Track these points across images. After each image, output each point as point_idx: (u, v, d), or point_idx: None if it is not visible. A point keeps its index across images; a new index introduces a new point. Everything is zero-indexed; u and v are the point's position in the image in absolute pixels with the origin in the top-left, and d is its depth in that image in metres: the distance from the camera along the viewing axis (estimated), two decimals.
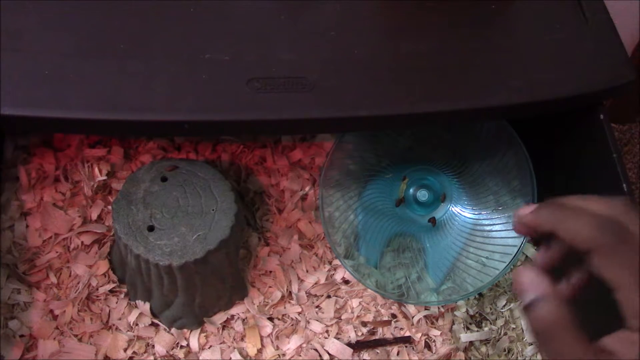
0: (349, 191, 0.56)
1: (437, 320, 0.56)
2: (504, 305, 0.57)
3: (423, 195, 0.57)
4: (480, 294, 0.57)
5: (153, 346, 0.51)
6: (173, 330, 0.52)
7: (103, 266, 0.54)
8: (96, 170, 0.57)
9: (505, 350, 0.55)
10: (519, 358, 0.54)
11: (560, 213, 0.31)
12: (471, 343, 0.55)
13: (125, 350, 0.51)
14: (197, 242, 0.47)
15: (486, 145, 0.54)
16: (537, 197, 0.51)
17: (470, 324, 0.56)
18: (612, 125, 0.47)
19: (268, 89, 0.42)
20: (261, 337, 0.53)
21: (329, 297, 0.56)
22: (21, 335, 0.50)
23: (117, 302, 0.53)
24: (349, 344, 0.53)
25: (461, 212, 0.58)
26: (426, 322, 0.55)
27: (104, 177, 0.57)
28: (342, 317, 0.55)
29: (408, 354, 0.54)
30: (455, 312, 0.56)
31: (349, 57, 0.44)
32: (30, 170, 0.56)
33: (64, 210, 0.56)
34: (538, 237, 0.33)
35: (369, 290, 0.55)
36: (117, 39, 0.43)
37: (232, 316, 0.54)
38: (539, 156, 0.52)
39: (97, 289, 0.53)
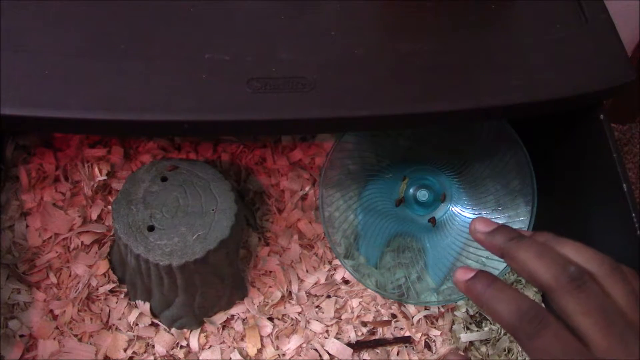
0: (349, 191, 0.56)
1: (437, 320, 0.56)
2: None
3: (423, 195, 0.57)
4: None
5: (153, 346, 0.51)
6: (173, 330, 0.52)
7: (103, 266, 0.54)
8: (96, 170, 0.57)
9: (505, 350, 0.55)
10: (519, 358, 0.54)
11: (518, 246, 0.31)
12: (471, 343, 0.55)
13: (125, 350, 0.51)
14: (197, 242, 0.47)
15: (486, 145, 0.54)
16: (537, 197, 0.51)
17: (470, 324, 0.56)
18: (612, 125, 0.47)
19: (268, 89, 0.42)
20: (261, 337, 0.53)
21: (329, 297, 0.56)
22: (21, 335, 0.50)
23: (117, 302, 0.53)
24: (349, 344, 0.53)
25: (461, 212, 0.58)
26: (426, 322, 0.55)
27: (104, 177, 0.57)
28: (342, 317, 0.55)
29: (408, 354, 0.54)
30: (455, 312, 0.56)
31: (349, 57, 0.44)
32: (30, 170, 0.57)
33: (64, 210, 0.56)
34: None
35: (369, 290, 0.55)
36: (117, 39, 0.43)
37: (232, 316, 0.54)
38: (539, 156, 0.52)
39: (97, 289, 0.53)
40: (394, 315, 0.56)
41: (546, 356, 0.28)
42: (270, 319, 0.54)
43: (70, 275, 0.53)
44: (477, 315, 0.56)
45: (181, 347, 0.52)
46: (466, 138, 0.55)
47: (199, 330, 0.53)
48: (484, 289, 0.31)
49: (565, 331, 0.29)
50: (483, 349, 0.55)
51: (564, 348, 0.28)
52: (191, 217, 0.49)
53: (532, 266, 0.30)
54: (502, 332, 0.55)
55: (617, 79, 0.46)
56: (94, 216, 0.56)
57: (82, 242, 0.54)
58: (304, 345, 0.53)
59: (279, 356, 0.52)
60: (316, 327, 0.54)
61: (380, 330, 0.55)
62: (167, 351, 0.51)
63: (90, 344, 0.51)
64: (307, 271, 0.57)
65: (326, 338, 0.54)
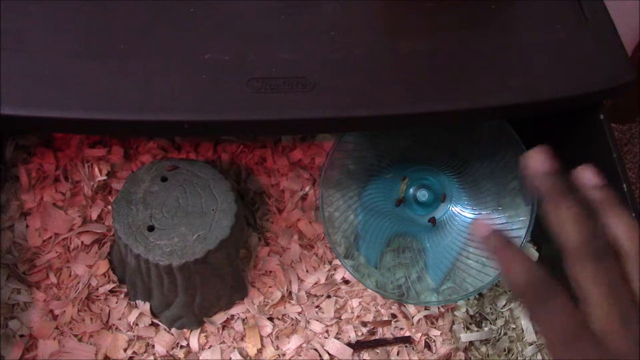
0: (349, 191, 0.56)
1: (437, 320, 0.56)
2: (504, 305, 0.57)
3: (423, 195, 0.57)
4: (480, 294, 0.57)
5: (153, 346, 0.51)
6: (173, 330, 0.52)
7: (103, 266, 0.54)
8: (96, 170, 0.57)
9: (505, 350, 0.55)
10: (519, 358, 0.54)
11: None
12: (471, 343, 0.55)
13: (125, 350, 0.51)
14: (197, 242, 0.47)
15: (486, 145, 0.54)
16: (536, 197, 0.51)
17: (470, 324, 0.56)
18: (612, 125, 0.47)
19: (268, 89, 0.42)
20: (261, 337, 0.53)
21: (329, 297, 0.56)
22: (21, 335, 0.50)
23: (117, 302, 0.53)
24: (349, 344, 0.53)
25: (461, 212, 0.58)
26: (426, 322, 0.55)
27: (104, 177, 0.57)
28: (342, 317, 0.55)
29: (408, 354, 0.54)
30: (455, 312, 0.56)
31: (349, 57, 0.44)
32: (30, 170, 0.57)
33: (64, 210, 0.56)
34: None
35: (369, 290, 0.55)
36: (117, 39, 0.43)
37: (232, 316, 0.54)
38: None
39: (97, 289, 0.53)
40: (394, 315, 0.56)
41: (549, 324, 0.29)
42: (270, 319, 0.54)
43: (70, 275, 0.53)
44: (477, 315, 0.56)
45: (181, 347, 0.52)
46: (466, 138, 0.55)
47: (199, 330, 0.53)
48: (498, 251, 0.32)
49: (570, 303, 0.30)
50: (483, 349, 0.55)
51: (565, 319, 0.29)
52: (191, 217, 0.49)
53: (566, 224, 0.31)
54: (502, 332, 0.56)
55: (617, 79, 0.46)
56: (94, 216, 0.56)
57: (82, 242, 0.54)
58: (304, 345, 0.53)
59: (279, 356, 0.52)
60: (316, 327, 0.54)
61: (380, 330, 0.55)
62: (167, 351, 0.51)
63: (90, 344, 0.51)
64: (307, 271, 0.57)
65: (326, 338, 0.54)
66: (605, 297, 0.29)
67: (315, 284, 0.56)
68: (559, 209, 0.31)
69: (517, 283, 0.31)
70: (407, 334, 0.55)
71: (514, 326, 0.56)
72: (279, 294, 0.55)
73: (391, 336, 0.54)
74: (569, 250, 0.31)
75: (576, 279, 0.30)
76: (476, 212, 0.57)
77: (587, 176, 0.34)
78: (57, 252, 0.54)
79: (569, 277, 0.30)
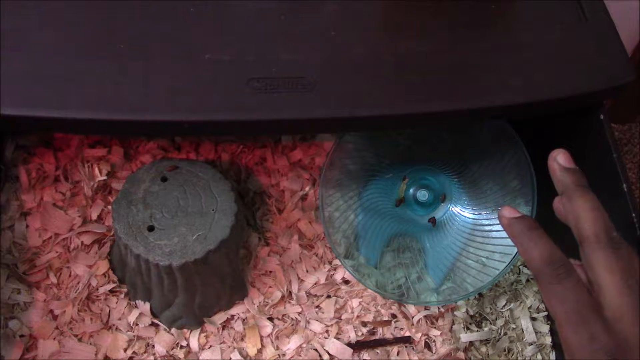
0: (349, 191, 0.56)
1: (437, 320, 0.56)
2: (504, 305, 0.57)
3: (423, 195, 0.57)
4: (480, 294, 0.57)
5: (153, 346, 0.51)
6: (173, 330, 0.52)
7: (103, 266, 0.54)
8: (96, 170, 0.57)
9: (505, 350, 0.55)
10: (519, 358, 0.54)
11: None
12: (471, 343, 0.55)
13: (125, 350, 0.51)
14: (197, 242, 0.47)
15: (486, 145, 0.54)
16: (537, 197, 0.51)
17: (470, 324, 0.56)
18: (612, 125, 0.47)
19: (268, 89, 0.42)
20: (261, 337, 0.53)
21: (329, 297, 0.56)
22: (21, 335, 0.50)
23: (117, 302, 0.53)
24: (349, 344, 0.53)
25: (461, 212, 0.57)
26: (426, 322, 0.55)
27: (104, 177, 0.57)
28: (342, 317, 0.55)
29: (408, 354, 0.54)
30: (455, 312, 0.56)
31: (349, 57, 0.44)
32: (30, 170, 0.57)
33: (64, 210, 0.56)
34: None
35: (369, 290, 0.55)
36: (117, 39, 0.43)
37: (232, 316, 0.54)
38: (539, 156, 0.52)
39: (97, 289, 0.53)
40: (394, 315, 0.56)
41: (561, 302, 0.31)
42: (270, 319, 0.54)
43: (70, 275, 0.53)
44: (477, 315, 0.56)
45: (181, 347, 0.52)
46: (466, 138, 0.55)
47: (199, 330, 0.53)
48: (523, 231, 0.34)
49: (584, 286, 0.31)
50: (483, 349, 0.55)
51: (579, 299, 0.31)
52: (191, 217, 0.49)
53: (583, 214, 0.33)
54: (502, 332, 0.55)
55: (617, 79, 0.46)
56: (94, 216, 0.56)
57: (82, 242, 0.54)
58: (304, 345, 0.53)
59: (279, 356, 0.52)
60: (316, 327, 0.54)
61: (380, 330, 0.55)
62: (167, 351, 0.51)
63: (90, 344, 0.51)
64: (307, 271, 0.57)
65: (326, 338, 0.54)
66: (617, 284, 0.30)
67: (315, 284, 0.56)
68: (575, 200, 0.33)
69: (539, 257, 0.32)
70: (407, 334, 0.55)
71: (514, 326, 0.56)
72: (279, 294, 0.55)
73: (391, 336, 0.54)
74: (584, 239, 0.32)
75: (591, 267, 0.31)
76: (476, 212, 0.57)
77: (561, 158, 0.36)
78: (57, 252, 0.54)
79: (584, 266, 0.32)
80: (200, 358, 0.51)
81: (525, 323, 0.56)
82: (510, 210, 0.35)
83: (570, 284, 0.31)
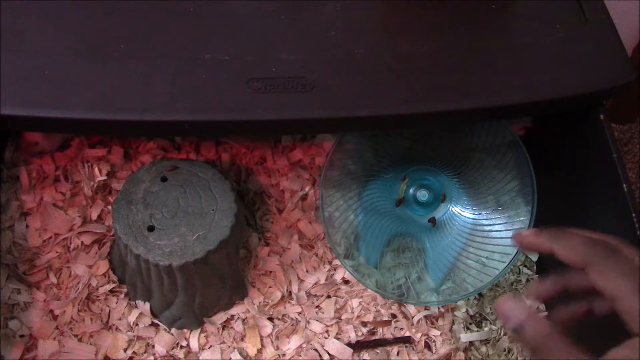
0: (349, 191, 0.56)
1: (437, 320, 0.56)
2: None
3: (423, 195, 0.57)
4: (480, 294, 0.57)
5: (153, 346, 0.51)
6: (173, 330, 0.52)
7: (103, 266, 0.54)
8: (96, 170, 0.57)
9: (505, 350, 0.55)
10: (519, 358, 0.54)
11: (557, 234, 0.34)
12: (471, 343, 0.55)
13: (125, 350, 0.51)
14: (197, 242, 0.47)
15: (486, 145, 0.54)
16: (536, 197, 0.51)
17: (470, 324, 0.56)
18: (612, 125, 0.47)
19: (268, 89, 0.42)
20: (261, 337, 0.53)
21: (329, 297, 0.56)
22: (21, 335, 0.50)
23: (117, 302, 0.53)
24: (349, 344, 0.53)
25: (461, 212, 0.57)
26: (426, 322, 0.55)
27: (104, 177, 0.57)
28: (342, 317, 0.55)
29: (408, 354, 0.54)
30: (455, 312, 0.56)
31: (349, 57, 0.44)
32: (31, 170, 0.56)
33: (64, 210, 0.56)
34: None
35: (369, 290, 0.55)
36: (117, 39, 0.43)
37: (232, 316, 0.54)
38: (539, 156, 0.52)
39: (97, 289, 0.53)
40: (394, 315, 0.56)
41: (627, 278, 0.31)
42: (270, 319, 0.54)
43: (70, 275, 0.53)
44: (477, 315, 0.56)
45: (181, 347, 0.52)
46: (466, 138, 0.55)
47: (199, 330, 0.53)
48: (554, 231, 0.35)
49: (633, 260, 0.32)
50: (483, 349, 0.55)
51: (634, 270, 0.31)
52: (191, 217, 0.49)
53: (570, 246, 0.33)
54: (502, 332, 0.55)
55: (617, 79, 0.46)
56: (94, 216, 0.56)
57: (82, 242, 0.54)
58: (304, 345, 0.53)
59: (279, 356, 0.52)
60: (316, 327, 0.54)
61: (380, 330, 0.55)
62: (167, 351, 0.51)
63: (90, 344, 0.51)
64: (307, 271, 0.57)
65: (326, 338, 0.54)
66: (630, 286, 0.31)
67: (315, 284, 0.56)
68: (561, 240, 0.34)
69: (581, 244, 0.33)
70: (407, 334, 0.55)
71: None
72: (279, 294, 0.55)
73: (391, 336, 0.54)
74: (582, 263, 0.32)
75: (599, 283, 0.32)
76: (476, 212, 0.57)
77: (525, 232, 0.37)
78: (57, 252, 0.54)
79: (596, 289, 0.32)
80: (200, 358, 0.51)
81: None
82: (528, 231, 0.36)
83: (620, 257, 0.32)
